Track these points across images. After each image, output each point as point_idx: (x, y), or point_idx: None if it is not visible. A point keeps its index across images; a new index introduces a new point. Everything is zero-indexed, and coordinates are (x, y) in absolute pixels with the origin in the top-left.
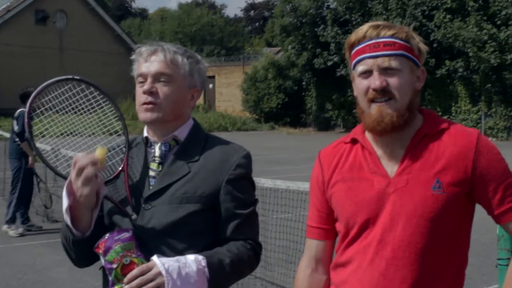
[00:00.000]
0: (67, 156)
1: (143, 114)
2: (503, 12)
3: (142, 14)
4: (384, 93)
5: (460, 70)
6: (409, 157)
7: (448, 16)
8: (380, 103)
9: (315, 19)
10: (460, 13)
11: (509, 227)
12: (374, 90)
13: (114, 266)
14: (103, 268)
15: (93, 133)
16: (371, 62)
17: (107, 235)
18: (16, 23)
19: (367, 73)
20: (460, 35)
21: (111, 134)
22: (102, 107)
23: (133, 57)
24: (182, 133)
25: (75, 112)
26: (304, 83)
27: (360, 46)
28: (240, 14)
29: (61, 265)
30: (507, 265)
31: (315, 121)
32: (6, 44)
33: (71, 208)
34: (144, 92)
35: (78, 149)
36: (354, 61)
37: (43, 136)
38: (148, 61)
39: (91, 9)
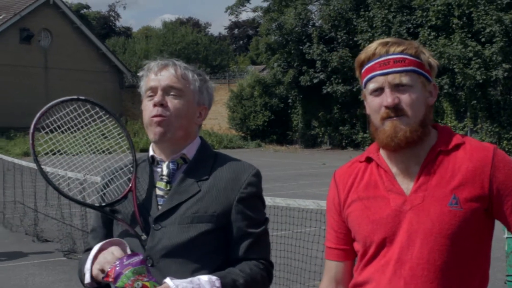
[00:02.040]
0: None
1: (154, 129)
2: (487, 30)
3: (127, 32)
4: (396, 111)
5: (446, 87)
6: (424, 173)
7: (433, 34)
8: (393, 118)
9: (301, 37)
10: (445, 31)
11: None
12: (387, 107)
13: None
14: None
15: (99, 152)
16: (382, 79)
17: (117, 261)
18: (0, 42)
19: (379, 91)
20: (445, 52)
21: (118, 154)
22: (108, 127)
23: (141, 73)
24: (190, 151)
25: (81, 133)
26: (290, 100)
27: (370, 64)
28: (224, 32)
29: (53, 285)
30: None
31: (301, 138)
32: None
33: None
34: (155, 104)
35: (85, 169)
36: (364, 79)
37: (47, 154)
38: (159, 75)
39: (75, 27)
